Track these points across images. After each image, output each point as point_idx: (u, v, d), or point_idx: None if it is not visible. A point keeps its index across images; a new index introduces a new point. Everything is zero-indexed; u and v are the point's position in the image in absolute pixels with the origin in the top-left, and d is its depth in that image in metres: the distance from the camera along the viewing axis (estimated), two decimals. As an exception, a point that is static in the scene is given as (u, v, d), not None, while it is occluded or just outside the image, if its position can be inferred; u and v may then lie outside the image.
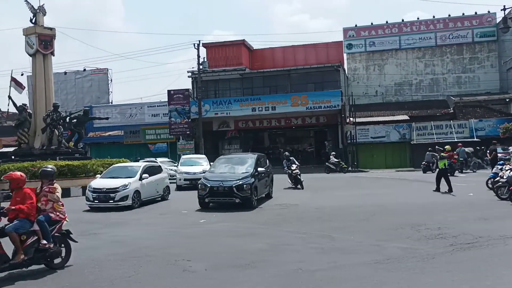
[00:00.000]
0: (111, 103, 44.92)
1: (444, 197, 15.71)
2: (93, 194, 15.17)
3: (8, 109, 26.70)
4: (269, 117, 37.37)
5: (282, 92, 37.25)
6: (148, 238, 9.82)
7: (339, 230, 10.09)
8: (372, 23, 42.54)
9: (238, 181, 14.04)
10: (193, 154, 29.73)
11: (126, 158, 25.55)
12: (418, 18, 42.49)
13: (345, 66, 41.59)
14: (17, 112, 24.50)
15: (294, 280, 6.41)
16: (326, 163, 30.58)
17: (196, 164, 22.66)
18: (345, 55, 42.26)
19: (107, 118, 30.24)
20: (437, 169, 17.95)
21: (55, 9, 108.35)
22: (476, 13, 40.70)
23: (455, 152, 25.83)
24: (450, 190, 16.59)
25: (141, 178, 15.94)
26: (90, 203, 15.19)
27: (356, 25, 42.69)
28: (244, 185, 13.92)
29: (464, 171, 26.46)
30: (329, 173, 29.49)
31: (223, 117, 37.62)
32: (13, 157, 23.50)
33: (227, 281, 6.42)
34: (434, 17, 41.66)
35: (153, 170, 17.22)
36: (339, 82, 36.83)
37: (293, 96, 35.75)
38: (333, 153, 31.77)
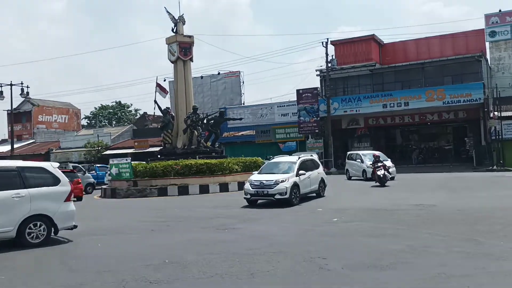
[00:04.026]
0: (243, 104, 46.87)
1: None
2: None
3: (154, 113, 29.46)
4: (401, 113, 35.82)
5: (415, 86, 35.45)
6: (284, 235, 10.05)
7: (486, 234, 9.28)
8: (519, 6, 38.31)
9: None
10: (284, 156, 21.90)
11: (258, 157, 26.46)
12: None
13: (488, 56, 38.07)
14: (161, 115, 26.81)
15: (437, 285, 6.06)
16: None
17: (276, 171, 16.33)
18: (487, 44, 38.65)
19: (240, 119, 31.64)
20: None
21: (188, 16, 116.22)
22: None
23: None
24: None
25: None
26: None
27: (500, 10, 38.80)
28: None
29: None
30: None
31: (353, 114, 37.00)
32: (159, 156, 25.84)
33: (366, 282, 6.29)
34: None
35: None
36: (481, 73, 33.90)
37: (428, 90, 33.79)
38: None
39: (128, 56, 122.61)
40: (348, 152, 29.11)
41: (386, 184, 20.92)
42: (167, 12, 25.58)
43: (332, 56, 38.24)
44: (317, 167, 17.64)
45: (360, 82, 38.50)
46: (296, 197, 15.41)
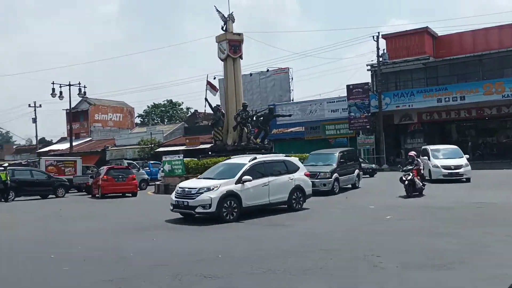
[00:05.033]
0: (292, 100, 46.67)
1: None
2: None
3: (205, 110, 29.87)
4: (457, 108, 34.52)
5: (472, 80, 34.03)
6: (335, 232, 9.96)
7: (551, 234, 8.81)
8: None
9: None
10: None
11: (307, 153, 26.23)
12: None
13: (552, 46, 35.89)
14: (212, 112, 27.14)
15: (497, 286, 5.81)
16: None
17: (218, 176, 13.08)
18: (551, 33, 36.46)
19: (290, 115, 31.52)
20: None
21: (236, 14, 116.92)
22: None
23: None
24: None
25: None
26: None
27: None
28: None
29: None
30: None
31: (405, 109, 36.03)
32: (209, 152, 26.20)
33: (422, 281, 6.13)
34: None
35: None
36: (544, 64, 32.08)
37: (486, 83, 32.35)
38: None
39: (179, 55, 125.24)
40: (422, 147, 25.72)
41: (416, 195, 15.84)
42: (217, 10, 25.83)
43: (383, 50, 37.37)
44: (290, 171, 13.71)
45: (413, 76, 37.42)
46: (231, 211, 11.88)
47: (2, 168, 22.64)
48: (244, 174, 12.39)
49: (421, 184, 16.19)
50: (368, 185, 21.47)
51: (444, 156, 21.78)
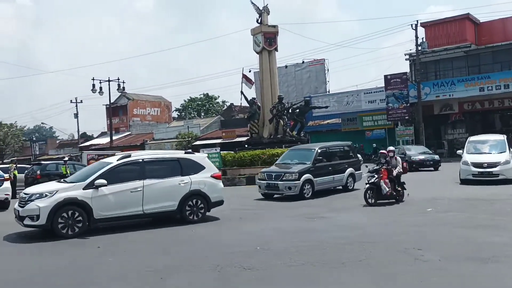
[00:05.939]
0: (328, 92, 46.21)
1: None
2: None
3: (241, 103, 29.97)
4: (500, 96, 33.36)
5: (516, 67, 32.79)
6: (374, 224, 9.84)
7: None
8: None
9: None
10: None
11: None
12: None
13: None
14: (248, 105, 27.22)
15: (547, 281, 5.61)
16: None
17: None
18: None
19: (326, 107, 31.24)
20: None
21: (271, 6, 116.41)
22: None
23: None
24: None
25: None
26: None
27: None
28: None
29: None
30: None
31: (446, 99, 35.09)
32: (246, 145, 26.34)
33: (466, 275, 5.98)
34: None
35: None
36: None
37: (532, 71, 31.11)
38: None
39: (214, 48, 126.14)
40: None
41: (383, 203, 12.41)
42: (252, 3, 25.80)
43: (422, 38, 36.43)
44: (186, 172, 10.88)
45: (453, 65, 36.38)
46: (72, 225, 9.46)
47: (63, 161, 23.46)
48: (99, 177, 9.90)
49: (388, 189, 12.36)
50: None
51: (481, 150, 17.47)
